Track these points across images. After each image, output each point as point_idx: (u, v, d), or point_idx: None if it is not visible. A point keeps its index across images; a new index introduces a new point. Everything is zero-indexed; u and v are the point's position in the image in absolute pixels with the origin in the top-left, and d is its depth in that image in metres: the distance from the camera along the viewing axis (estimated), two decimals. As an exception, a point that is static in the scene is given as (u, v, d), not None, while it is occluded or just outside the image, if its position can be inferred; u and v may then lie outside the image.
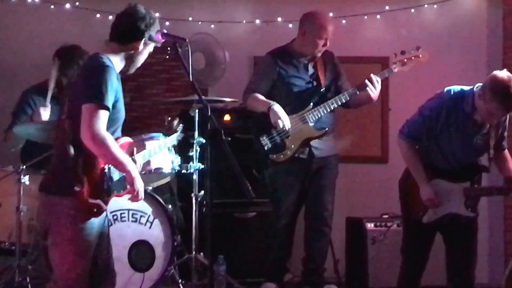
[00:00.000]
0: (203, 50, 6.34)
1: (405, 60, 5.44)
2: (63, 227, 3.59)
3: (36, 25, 6.71)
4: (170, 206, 5.36)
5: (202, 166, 5.30)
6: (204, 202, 5.32)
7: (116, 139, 3.70)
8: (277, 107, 5.41)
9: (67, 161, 3.57)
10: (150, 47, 3.87)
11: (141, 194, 3.73)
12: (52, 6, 6.51)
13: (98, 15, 6.64)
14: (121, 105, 3.73)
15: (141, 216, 5.15)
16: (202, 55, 6.35)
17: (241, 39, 6.55)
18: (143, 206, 5.16)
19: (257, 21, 6.68)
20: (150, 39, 3.81)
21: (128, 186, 3.71)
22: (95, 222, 3.63)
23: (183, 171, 5.29)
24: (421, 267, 4.80)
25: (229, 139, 5.29)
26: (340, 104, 5.51)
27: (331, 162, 5.68)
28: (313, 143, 5.56)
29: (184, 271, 5.35)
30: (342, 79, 5.72)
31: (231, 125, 6.07)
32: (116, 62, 3.75)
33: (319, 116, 5.50)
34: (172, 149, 5.31)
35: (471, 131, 4.62)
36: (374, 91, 5.43)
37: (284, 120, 5.39)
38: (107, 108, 3.55)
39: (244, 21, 6.75)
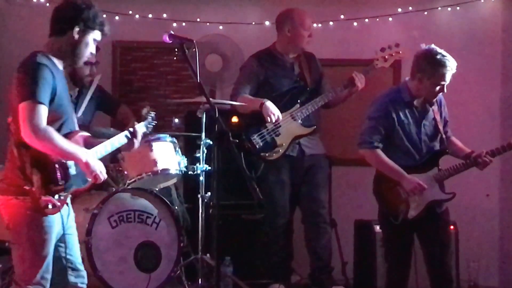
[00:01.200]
0: (220, 52, 6.39)
1: (386, 56, 5.63)
2: (19, 226, 3.61)
3: (42, 25, 6.68)
4: (176, 207, 5.40)
5: (209, 168, 5.31)
6: (211, 203, 5.32)
7: (68, 134, 3.69)
8: (269, 103, 5.53)
9: (15, 162, 3.58)
10: (93, 36, 3.80)
11: (101, 175, 3.70)
12: (58, 7, 6.53)
13: (104, 16, 6.52)
14: (62, 101, 3.69)
15: (147, 217, 5.16)
16: (219, 57, 6.40)
17: (249, 40, 6.54)
18: (149, 207, 5.18)
19: (267, 23, 6.69)
20: (87, 26, 3.75)
21: (88, 178, 3.71)
22: (52, 220, 3.63)
23: (190, 172, 5.31)
24: (406, 269, 4.85)
25: (237, 141, 5.29)
26: (327, 101, 5.65)
27: (322, 161, 5.79)
28: (302, 141, 5.67)
29: (190, 272, 5.36)
30: (324, 79, 5.89)
31: (238, 126, 6.06)
32: (56, 58, 3.73)
33: (307, 113, 5.62)
34: (179, 150, 5.34)
35: (417, 118, 4.77)
36: (360, 86, 5.62)
37: (276, 113, 5.50)
38: (43, 103, 3.52)
39: (253, 23, 6.76)
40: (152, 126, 4.38)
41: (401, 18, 6.74)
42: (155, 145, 5.25)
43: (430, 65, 4.63)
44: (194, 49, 4.06)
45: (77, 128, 3.83)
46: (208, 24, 6.69)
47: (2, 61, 6.35)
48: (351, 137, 6.10)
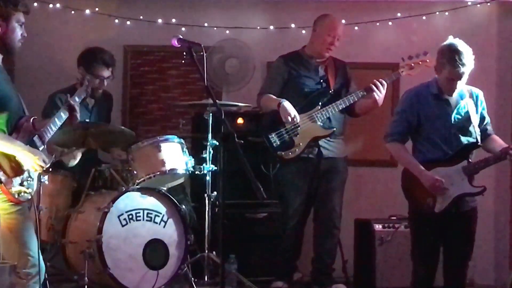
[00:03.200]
0: (237, 56, 6.48)
1: (413, 64, 5.51)
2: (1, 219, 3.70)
3: (57, 30, 6.81)
4: (183, 206, 5.42)
5: (215, 168, 5.37)
6: (217, 202, 5.37)
7: (18, 121, 3.77)
8: (286, 103, 5.57)
9: None
10: (16, 18, 3.82)
11: (39, 162, 3.74)
12: (73, 12, 6.62)
13: (116, 21, 6.74)
14: (4, 91, 3.76)
15: (155, 216, 5.21)
16: (237, 61, 6.49)
17: (255, 45, 6.61)
18: (157, 206, 5.23)
19: (271, 27, 6.74)
20: (3, 14, 3.76)
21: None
22: (26, 209, 3.76)
23: (197, 172, 5.37)
24: (433, 267, 4.80)
25: (242, 141, 5.42)
26: (348, 104, 5.63)
27: (340, 164, 5.80)
28: (322, 143, 5.69)
29: (196, 269, 5.41)
30: (352, 86, 5.86)
31: (244, 128, 6.16)
32: None
33: (327, 116, 5.64)
34: (186, 151, 5.42)
35: (447, 110, 4.75)
36: (379, 94, 5.55)
37: (294, 114, 5.54)
38: None
39: (258, 27, 6.80)
40: (87, 89, 4.42)
41: (400, 22, 6.79)
42: (163, 145, 5.30)
43: (441, 57, 4.67)
44: (202, 53, 4.14)
45: (27, 114, 3.91)
46: (215, 28, 6.74)
47: (20, 64, 6.42)
48: (351, 138, 6.24)
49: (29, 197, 3.77)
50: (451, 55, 4.62)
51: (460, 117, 4.77)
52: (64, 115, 4.04)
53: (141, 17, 6.73)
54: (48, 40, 6.74)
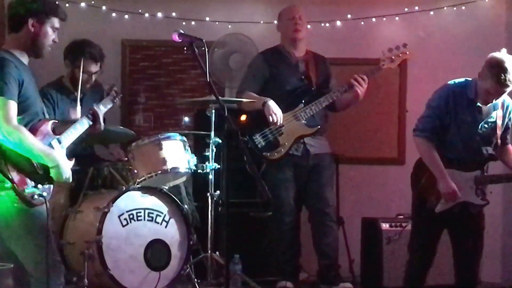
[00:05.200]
0: (240, 51, 6.42)
1: (393, 57, 5.61)
2: (12, 221, 3.65)
3: (63, 25, 6.73)
4: (186, 206, 5.38)
5: (218, 166, 5.31)
6: (220, 201, 5.31)
7: (37, 124, 3.74)
8: (271, 103, 5.54)
9: None
10: (51, 24, 3.83)
11: (65, 178, 3.73)
12: (67, 5, 6.52)
13: (113, 14, 6.67)
14: (30, 93, 3.74)
15: (157, 215, 5.15)
16: (240, 56, 6.43)
17: (258, 39, 6.54)
18: (159, 205, 5.18)
19: (275, 22, 6.69)
20: (40, 17, 3.78)
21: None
22: (42, 210, 3.68)
23: (199, 170, 5.31)
24: (428, 263, 4.84)
25: (246, 139, 5.34)
26: (331, 101, 5.63)
27: (326, 159, 5.79)
28: (307, 140, 5.69)
29: (199, 270, 5.36)
30: (332, 81, 5.87)
31: (247, 125, 6.08)
32: (18, 53, 3.77)
33: (311, 114, 5.62)
34: (189, 148, 5.35)
35: (477, 118, 4.71)
36: (361, 89, 5.56)
37: (278, 114, 5.51)
38: (12, 99, 3.56)
39: (262, 22, 6.77)
40: (118, 100, 4.46)
41: (407, 17, 6.75)
42: (164, 143, 5.23)
43: (487, 69, 4.59)
44: (203, 48, 4.05)
45: (47, 117, 3.88)
46: (217, 23, 6.71)
47: None
48: (358, 135, 6.17)
49: (43, 200, 3.69)
50: (498, 72, 4.54)
51: (487, 126, 4.75)
52: (87, 122, 4.10)
53: (140, 11, 6.66)
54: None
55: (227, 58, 6.44)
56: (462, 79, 4.80)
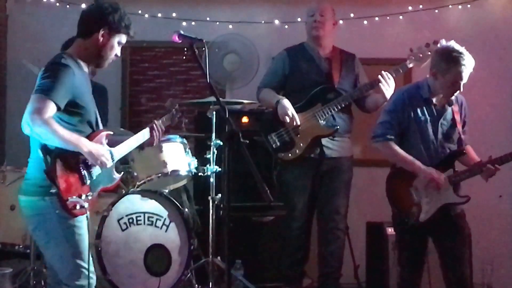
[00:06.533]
0: (240, 52, 6.37)
1: (421, 55, 5.29)
2: (51, 227, 3.64)
3: (52, 24, 6.76)
4: (186, 209, 5.36)
5: (219, 169, 5.26)
6: (221, 205, 5.26)
7: (92, 133, 3.74)
8: (285, 102, 5.41)
9: (40, 163, 3.60)
10: (119, 38, 3.85)
11: (106, 160, 3.73)
12: (68, 6, 6.53)
13: (129, 18, 6.61)
14: (84, 101, 3.72)
15: (157, 220, 5.12)
16: (239, 57, 6.38)
17: (259, 39, 6.54)
18: (159, 209, 5.15)
19: (276, 22, 6.68)
20: (112, 29, 3.79)
21: (114, 176, 3.84)
22: (82, 219, 3.68)
23: (200, 173, 5.27)
24: (419, 273, 4.80)
25: (247, 141, 5.23)
26: (351, 100, 5.50)
27: (344, 164, 5.62)
28: (325, 142, 5.51)
29: (201, 276, 5.33)
30: (361, 81, 5.66)
31: (249, 127, 6.03)
32: (81, 59, 3.78)
33: (329, 113, 5.46)
34: (189, 151, 5.29)
35: (435, 117, 4.69)
36: (387, 88, 5.33)
37: (292, 115, 5.37)
38: (53, 101, 3.53)
39: (263, 22, 6.74)
40: (177, 117, 4.49)
41: (411, 16, 6.73)
42: (165, 146, 5.19)
43: (444, 62, 4.57)
44: (204, 49, 3.99)
45: (101, 128, 3.88)
46: (217, 23, 6.69)
47: (13, 59, 6.41)
48: (363, 138, 6.06)
49: (84, 211, 3.68)
50: (455, 57, 4.52)
51: (446, 123, 4.74)
52: (145, 136, 4.15)
53: (140, 11, 6.65)
54: (42, 35, 6.69)
55: (225, 59, 6.41)
56: (412, 83, 4.83)
